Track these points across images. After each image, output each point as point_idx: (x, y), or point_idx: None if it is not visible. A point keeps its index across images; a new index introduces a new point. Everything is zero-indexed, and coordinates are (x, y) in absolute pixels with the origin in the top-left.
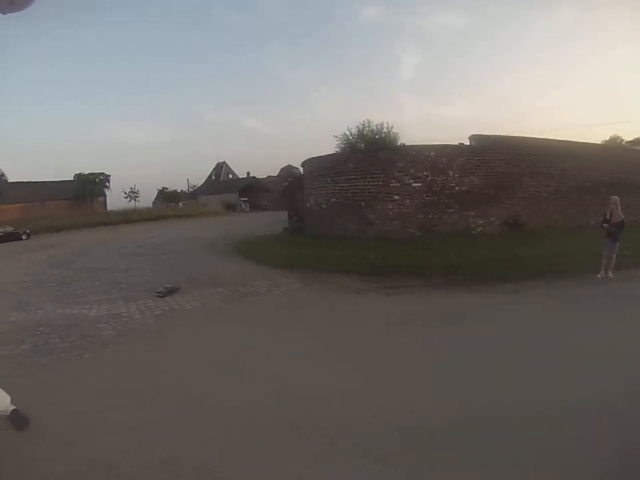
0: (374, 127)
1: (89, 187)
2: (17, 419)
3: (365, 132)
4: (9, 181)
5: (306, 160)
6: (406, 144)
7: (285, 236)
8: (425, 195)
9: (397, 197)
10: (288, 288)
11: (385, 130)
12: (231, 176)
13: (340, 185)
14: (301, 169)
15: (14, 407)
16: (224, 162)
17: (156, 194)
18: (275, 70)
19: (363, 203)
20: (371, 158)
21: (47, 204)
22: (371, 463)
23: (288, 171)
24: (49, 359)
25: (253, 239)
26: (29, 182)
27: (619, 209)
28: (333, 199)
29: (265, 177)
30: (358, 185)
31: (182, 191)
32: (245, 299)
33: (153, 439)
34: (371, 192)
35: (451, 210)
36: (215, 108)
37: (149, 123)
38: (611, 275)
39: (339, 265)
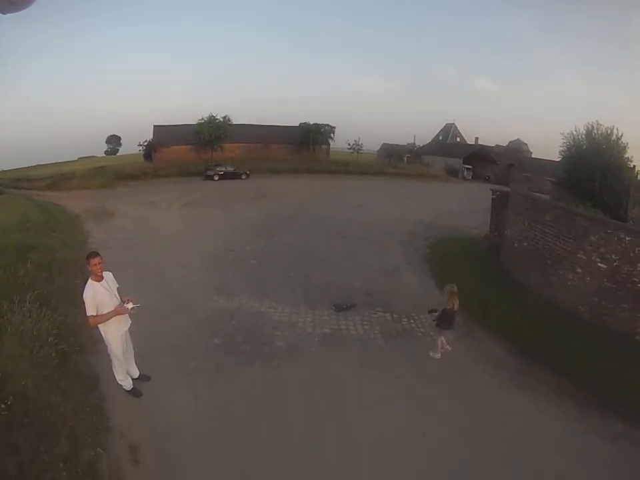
0: (603, 130)
1: (313, 136)
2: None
3: (593, 134)
4: (234, 122)
5: (509, 192)
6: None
7: (479, 253)
8: (605, 280)
9: (579, 270)
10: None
11: (614, 137)
12: (458, 139)
13: (534, 232)
14: (528, 146)
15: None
16: (453, 124)
17: (379, 147)
18: (519, 37)
19: (549, 261)
20: (567, 219)
21: (270, 146)
22: None
23: (516, 145)
24: (230, 360)
25: (450, 238)
26: (253, 125)
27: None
28: (525, 244)
29: (494, 145)
30: (549, 241)
31: (408, 143)
32: (399, 338)
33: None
34: (558, 254)
35: (625, 306)
36: (450, 65)
37: (380, 72)
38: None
39: (501, 326)
